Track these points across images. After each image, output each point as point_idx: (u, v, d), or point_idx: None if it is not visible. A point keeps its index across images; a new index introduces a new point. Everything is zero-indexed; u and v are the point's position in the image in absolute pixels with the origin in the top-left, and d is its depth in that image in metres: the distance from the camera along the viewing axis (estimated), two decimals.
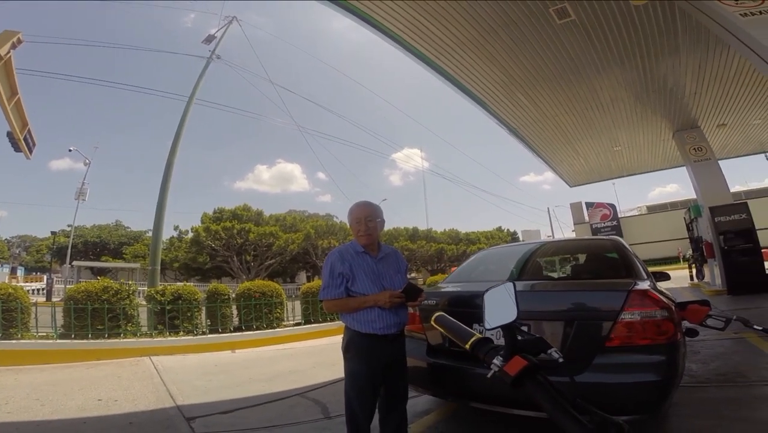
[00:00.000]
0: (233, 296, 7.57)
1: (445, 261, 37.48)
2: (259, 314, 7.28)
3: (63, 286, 19.78)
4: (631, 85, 8.20)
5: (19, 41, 7.21)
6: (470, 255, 4.18)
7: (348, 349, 2.23)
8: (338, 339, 2.29)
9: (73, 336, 5.64)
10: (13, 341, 5.26)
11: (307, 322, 7.98)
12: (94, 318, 5.78)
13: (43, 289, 20.66)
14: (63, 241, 32.67)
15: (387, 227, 2.45)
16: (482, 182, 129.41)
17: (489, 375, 0.95)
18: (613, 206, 30.29)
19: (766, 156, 14.72)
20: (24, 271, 41.10)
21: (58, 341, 5.56)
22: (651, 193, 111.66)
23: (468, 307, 2.52)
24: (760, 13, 3.87)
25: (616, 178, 16.82)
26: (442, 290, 3.09)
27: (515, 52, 6.98)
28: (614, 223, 29.38)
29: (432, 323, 1.27)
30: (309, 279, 32.71)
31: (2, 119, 8.03)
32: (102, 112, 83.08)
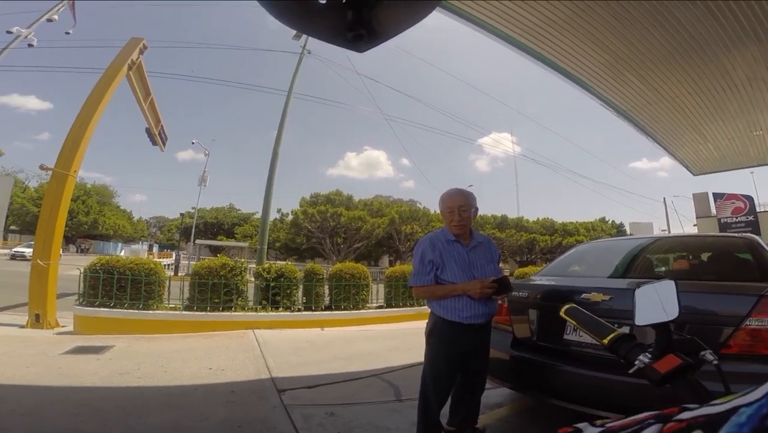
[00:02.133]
0: (326, 276, 8.03)
1: (537, 252, 35.34)
2: (348, 295, 7.63)
3: (187, 262, 22.04)
4: None
5: (145, 47, 8.28)
6: (566, 248, 3.93)
7: (431, 334, 2.26)
8: (416, 325, 2.35)
9: (195, 308, 6.25)
10: (150, 312, 5.97)
11: (389, 306, 8.25)
12: (213, 292, 6.33)
13: (172, 264, 23.21)
14: (188, 221, 37.89)
15: (467, 200, 2.47)
16: (583, 168, 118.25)
17: (631, 371, 0.96)
18: (749, 198, 25.21)
19: None
20: (158, 247, 49.12)
21: (184, 312, 6.19)
22: None
23: (563, 302, 2.47)
24: None
25: (755, 166, 14.07)
26: (535, 282, 2.96)
27: (620, 31, 6.23)
28: (750, 218, 24.51)
29: (562, 314, 1.28)
30: (391, 263, 33.56)
31: (140, 117, 9.65)
32: (217, 109, 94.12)
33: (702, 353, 0.97)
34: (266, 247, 13.07)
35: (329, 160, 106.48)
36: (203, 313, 6.27)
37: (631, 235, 28.06)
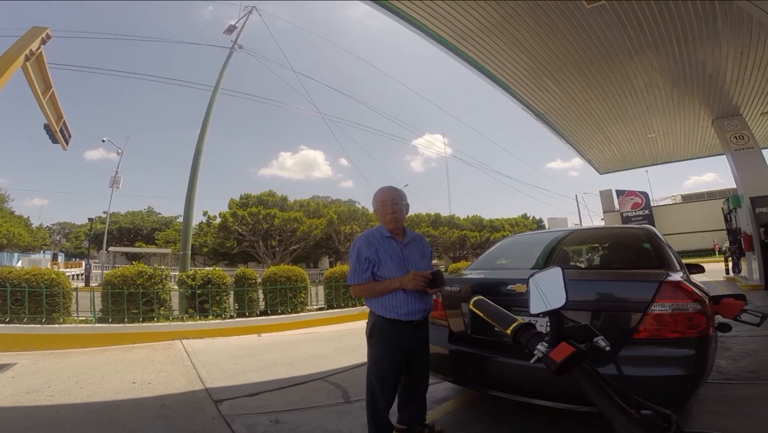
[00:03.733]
0: (260, 280, 7.72)
1: (468, 248, 37.16)
2: (284, 299, 7.42)
3: (100, 271, 20.62)
4: (667, 71, 7.80)
5: (48, 36, 7.39)
6: (494, 242, 4.11)
7: (372, 334, 2.26)
8: (359, 324, 2.30)
9: (110, 320, 5.83)
10: (56, 325, 5.45)
11: (330, 307, 8.13)
12: (130, 302, 5.96)
13: (82, 274, 21.21)
14: (99, 227, 34.17)
15: (409, 212, 2.47)
16: (507, 168, 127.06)
17: (532, 361, 0.94)
18: (645, 194, 29.15)
19: None
20: (64, 257, 43.50)
21: (97, 325, 5.74)
22: (686, 182, 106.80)
23: (492, 294, 2.50)
24: None
25: (649, 165, 16.16)
26: (466, 276, 3.02)
27: (541, 37, 6.74)
28: (646, 212, 28.32)
29: (471, 306, 1.26)
30: (332, 264, 33.22)
31: (40, 112, 8.45)
32: (133, 104, 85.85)
33: (595, 339, 0.98)
34: (190, 252, 12.22)
35: (261, 160, 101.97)
36: (120, 325, 5.77)
37: (549, 229, 30.71)
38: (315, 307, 8.36)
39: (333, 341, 5.78)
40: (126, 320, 5.88)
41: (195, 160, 12.35)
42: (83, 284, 17.13)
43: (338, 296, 8.16)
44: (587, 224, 37.85)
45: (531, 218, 45.05)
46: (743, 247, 9.66)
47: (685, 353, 1.98)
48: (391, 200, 2.30)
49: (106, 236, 29.43)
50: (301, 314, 7.54)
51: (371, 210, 2.47)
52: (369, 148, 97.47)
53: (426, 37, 7.01)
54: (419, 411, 2.40)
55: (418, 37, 7.09)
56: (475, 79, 8.45)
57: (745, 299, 2.53)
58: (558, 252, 3.39)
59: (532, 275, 1.11)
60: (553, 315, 0.95)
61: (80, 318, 5.95)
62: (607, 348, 0.96)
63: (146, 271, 6.30)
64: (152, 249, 34.79)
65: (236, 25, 15.04)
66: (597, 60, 7.39)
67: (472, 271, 3.25)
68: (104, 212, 33.43)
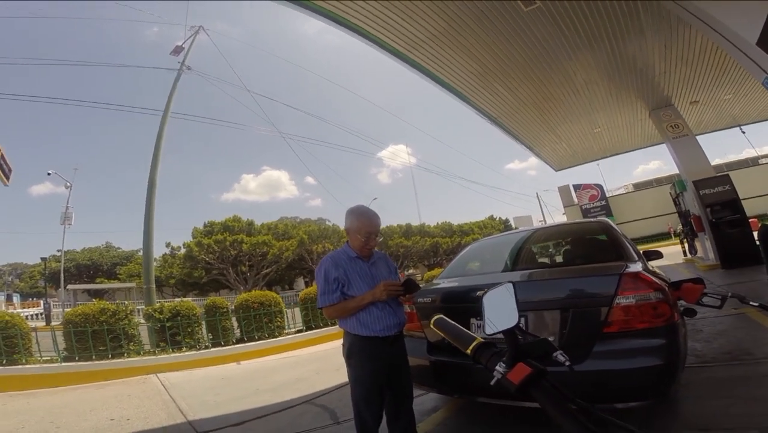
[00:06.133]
0: (232, 308, 7.58)
1: (441, 255, 37.64)
2: (260, 324, 7.31)
3: (61, 310, 19.64)
4: (603, 66, 8.36)
5: None
6: (464, 246, 4.17)
7: (350, 355, 2.21)
8: (340, 343, 2.24)
9: (77, 358, 5.69)
10: (19, 366, 5.32)
11: (308, 328, 8.04)
12: (96, 340, 5.82)
13: (41, 314, 20.60)
14: (55, 266, 32.22)
15: (381, 225, 2.46)
16: (470, 173, 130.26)
17: (492, 382, 0.88)
18: (600, 186, 30.75)
19: (741, 129, 15.06)
20: (20, 297, 40.45)
21: (63, 364, 5.57)
22: (635, 171, 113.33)
23: (464, 302, 2.51)
24: None
25: (599, 159, 17.12)
26: (437, 286, 3.00)
27: (487, 43, 7.07)
28: (603, 203, 29.84)
29: (432, 326, 1.20)
30: (307, 285, 32.62)
31: None
32: (78, 134, 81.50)
33: (554, 354, 0.94)
34: (154, 286, 11.75)
35: (223, 185, 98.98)
36: (89, 362, 5.61)
37: (516, 228, 31.74)
38: (293, 330, 8.24)
39: (315, 363, 5.71)
40: (94, 357, 5.73)
41: (149, 191, 11.96)
42: (44, 323, 16.37)
43: (316, 317, 8.08)
44: (550, 220, 39.42)
45: (498, 219, 46.30)
46: (695, 228, 10.25)
47: (657, 343, 2.00)
48: (374, 233, 2.26)
49: (62, 274, 27.72)
50: (280, 338, 7.44)
51: (342, 227, 2.40)
52: (335, 164, 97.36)
53: (380, 49, 7.21)
54: (408, 425, 2.35)
55: (373, 49, 7.29)
56: (431, 89, 8.73)
57: (703, 282, 2.54)
58: (525, 252, 3.47)
59: (485, 292, 1.06)
60: (508, 334, 0.90)
61: (45, 358, 5.84)
62: (567, 363, 0.94)
63: (108, 307, 6.13)
64: (115, 284, 33.01)
65: (183, 45, 14.85)
66: (539, 61, 7.84)
67: (444, 279, 3.23)
68: (58, 250, 31.55)
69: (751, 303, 2.44)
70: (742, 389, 2.60)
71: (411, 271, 37.33)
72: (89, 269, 39.81)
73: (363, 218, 2.25)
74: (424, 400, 3.18)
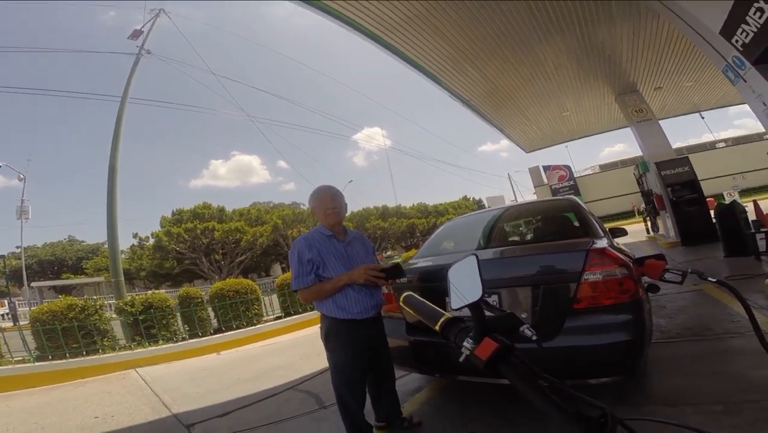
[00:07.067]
0: (207, 298, 7.48)
1: (418, 236, 38.13)
2: (237, 313, 7.24)
3: (27, 309, 18.84)
4: (573, 52, 8.52)
5: None
6: (438, 227, 4.19)
7: (328, 338, 2.19)
8: (319, 328, 2.22)
9: (50, 357, 5.50)
10: None
11: (287, 314, 8.00)
12: (68, 337, 5.63)
13: (7, 313, 19.86)
14: (15, 263, 30.59)
15: (357, 207, 2.41)
16: (444, 155, 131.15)
17: (461, 359, 0.87)
18: (568, 167, 31.77)
19: (700, 115, 15.93)
20: None
21: (36, 363, 5.42)
22: (601, 153, 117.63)
23: (439, 281, 2.47)
24: None
25: (568, 141, 17.56)
26: (413, 266, 2.97)
27: (460, 25, 7.03)
28: (571, 183, 30.89)
29: (401, 303, 1.17)
30: (284, 270, 32.37)
31: None
32: (30, 123, 76.26)
33: (521, 328, 0.92)
34: (123, 278, 11.38)
35: (191, 171, 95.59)
36: (64, 361, 5.42)
37: (488, 207, 32.22)
38: (272, 316, 8.20)
39: (295, 349, 5.71)
40: (67, 355, 5.55)
41: (110, 178, 11.38)
42: (11, 323, 15.83)
43: (294, 303, 8.03)
44: (521, 199, 40.50)
45: (471, 199, 47.18)
46: (657, 206, 10.81)
47: (624, 318, 2.04)
48: (331, 197, 2.25)
49: (24, 272, 26.37)
50: (258, 325, 7.39)
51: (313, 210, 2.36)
52: (308, 148, 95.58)
53: (355, 31, 7.05)
54: (393, 406, 2.40)
55: (347, 32, 7.13)
56: (406, 72, 8.65)
57: (665, 258, 2.71)
58: (496, 230, 3.52)
59: (450, 266, 1.03)
60: (474, 308, 0.87)
61: (16, 358, 5.63)
62: (534, 337, 0.93)
63: (76, 303, 5.92)
64: (82, 279, 31.82)
65: (142, 29, 14.08)
66: (511, 44, 7.88)
67: (419, 259, 3.21)
68: (17, 247, 29.88)
69: (709, 279, 2.51)
70: (705, 365, 2.70)
71: (389, 253, 37.71)
72: (53, 265, 38.02)
73: (314, 192, 2.29)
74: (407, 381, 3.22)
